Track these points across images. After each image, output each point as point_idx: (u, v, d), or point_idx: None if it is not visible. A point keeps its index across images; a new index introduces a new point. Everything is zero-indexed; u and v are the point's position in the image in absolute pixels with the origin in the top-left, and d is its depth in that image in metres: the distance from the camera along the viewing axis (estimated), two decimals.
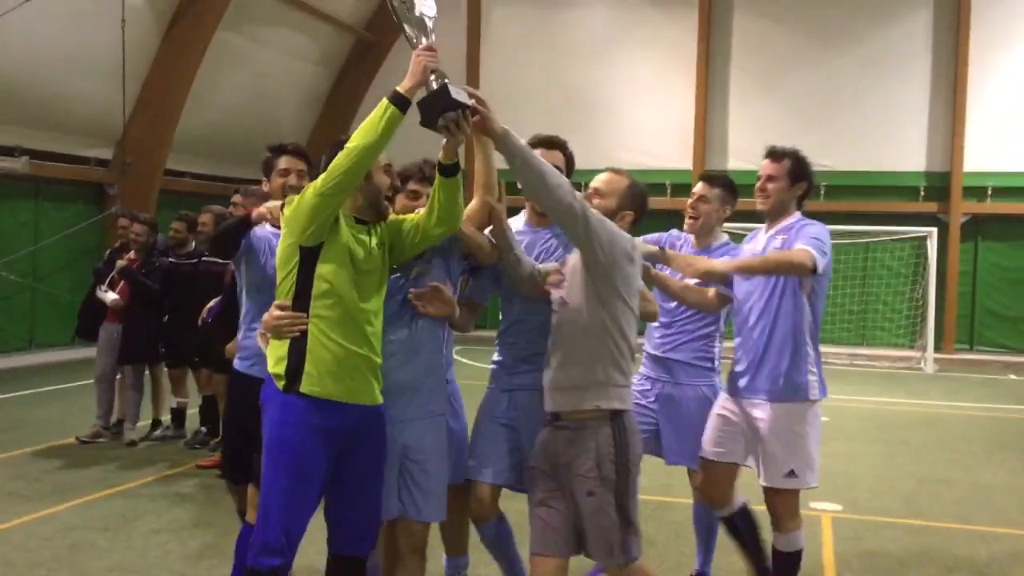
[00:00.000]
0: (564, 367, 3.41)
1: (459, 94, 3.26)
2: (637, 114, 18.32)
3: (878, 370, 15.57)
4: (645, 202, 3.81)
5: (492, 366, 4.02)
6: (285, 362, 3.29)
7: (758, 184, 4.40)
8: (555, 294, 3.54)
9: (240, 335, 4.13)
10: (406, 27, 3.35)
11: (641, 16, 18.34)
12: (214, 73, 15.31)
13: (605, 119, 18.46)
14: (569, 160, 4.22)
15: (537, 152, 3.49)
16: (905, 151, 17.25)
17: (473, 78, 19.04)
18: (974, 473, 7.99)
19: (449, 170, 3.40)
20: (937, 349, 16.05)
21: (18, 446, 8.00)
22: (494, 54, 19.18)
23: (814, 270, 3.94)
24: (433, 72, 3.28)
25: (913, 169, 17.28)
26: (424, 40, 3.34)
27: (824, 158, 17.47)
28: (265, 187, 4.24)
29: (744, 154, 17.91)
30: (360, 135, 3.25)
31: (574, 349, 3.40)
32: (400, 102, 3.23)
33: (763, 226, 4.51)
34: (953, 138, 16.87)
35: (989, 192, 16.92)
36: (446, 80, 3.27)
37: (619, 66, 18.46)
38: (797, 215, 4.34)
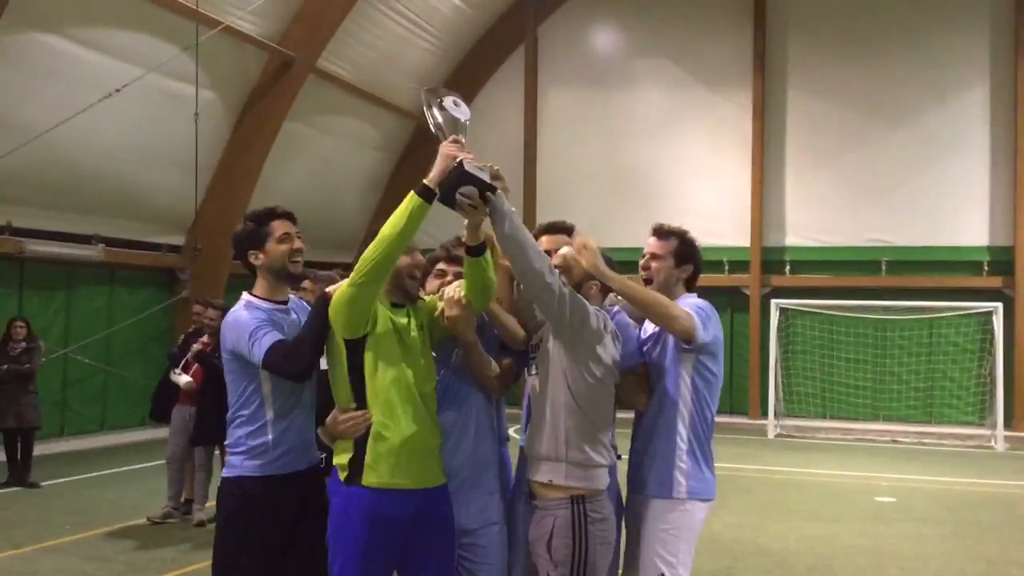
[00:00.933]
0: (536, 438, 3.37)
1: (476, 171, 3.36)
2: (693, 192, 18.44)
3: (947, 448, 15.20)
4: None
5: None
6: (350, 454, 3.38)
7: (642, 262, 4.13)
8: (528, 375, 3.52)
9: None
10: (435, 121, 3.50)
11: (695, 96, 18.59)
12: (281, 160, 15.88)
13: (661, 198, 18.59)
14: None
15: (543, 240, 3.66)
16: (966, 225, 17.06)
17: (531, 159, 19.42)
18: None
19: (475, 251, 3.48)
20: (1007, 426, 15.63)
21: (92, 527, 8.22)
22: (550, 135, 19.55)
23: (691, 338, 3.65)
24: (454, 159, 3.39)
25: (975, 244, 17.05)
26: (453, 135, 3.47)
27: (884, 233, 17.44)
28: (256, 259, 3.77)
29: (803, 230, 17.90)
30: (389, 226, 3.35)
31: (543, 423, 3.36)
32: (426, 194, 3.34)
33: None
34: (1016, 212, 16.66)
35: None
36: (464, 159, 3.37)
37: (674, 145, 18.68)
38: (684, 296, 4.05)
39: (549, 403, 3.34)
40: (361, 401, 3.39)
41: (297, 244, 3.78)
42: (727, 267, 18.25)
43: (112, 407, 14.42)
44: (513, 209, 3.37)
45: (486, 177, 3.38)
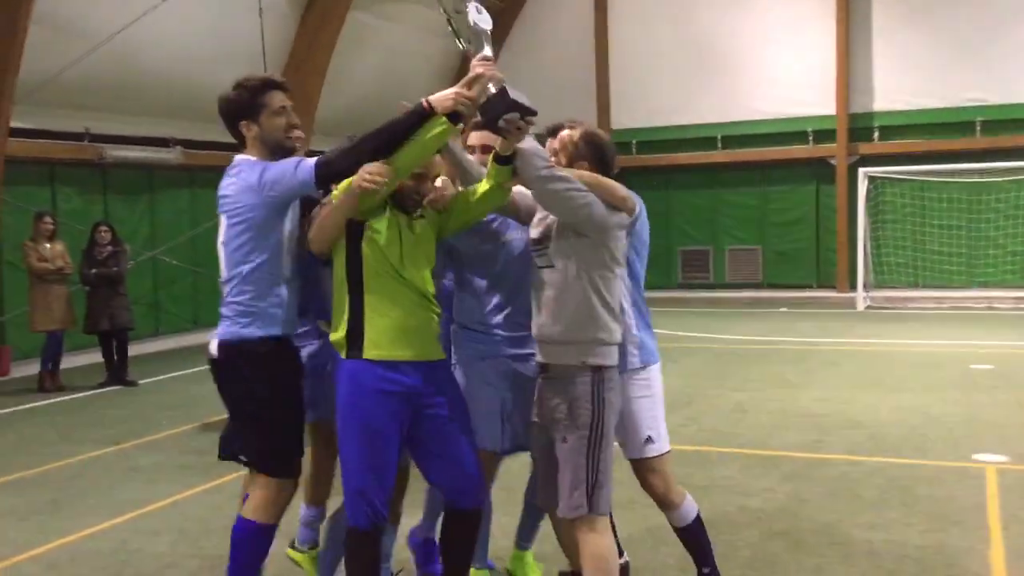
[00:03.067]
0: (552, 323, 3.50)
1: (519, 96, 3.34)
2: (774, 60, 17.69)
3: None
4: (600, 154, 3.67)
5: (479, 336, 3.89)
6: (345, 328, 3.41)
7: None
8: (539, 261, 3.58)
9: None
10: (460, 39, 3.46)
11: None
12: (349, 53, 15.68)
13: (741, 69, 17.92)
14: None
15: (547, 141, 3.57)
16: None
17: (602, 39, 18.82)
18: None
19: (504, 160, 3.46)
20: None
21: (187, 421, 8.50)
22: (622, 13, 18.87)
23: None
24: (491, 80, 3.35)
25: None
26: (482, 50, 3.39)
27: (979, 92, 16.51)
28: (247, 130, 3.61)
29: (892, 93, 17.08)
30: (411, 152, 3.32)
31: (561, 308, 3.49)
32: (455, 117, 3.32)
33: None
34: None
35: None
36: (504, 84, 3.34)
37: (752, 11, 17.86)
38: None
39: (571, 292, 3.49)
40: (357, 283, 3.39)
41: (294, 118, 3.66)
42: (811, 137, 17.60)
43: (203, 306, 14.78)
44: (538, 147, 3.42)
45: (526, 101, 3.36)
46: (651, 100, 18.52)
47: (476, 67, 3.35)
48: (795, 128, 17.68)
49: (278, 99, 3.61)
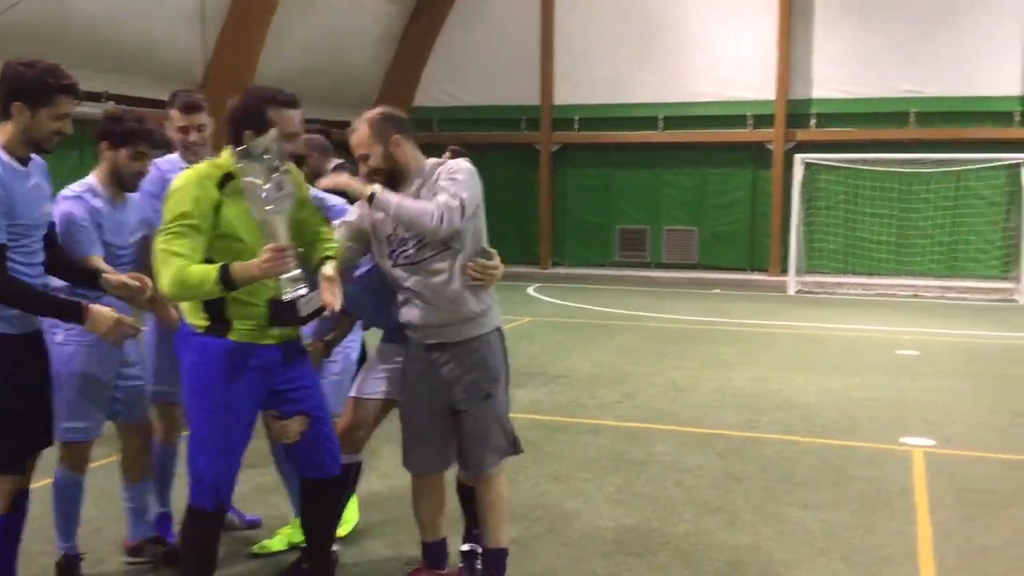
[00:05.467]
0: (452, 309, 3.66)
1: (310, 304, 3.33)
2: (717, 44, 17.81)
3: (970, 302, 15.11)
4: (400, 125, 3.67)
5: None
6: (206, 313, 3.36)
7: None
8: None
9: None
10: (255, 190, 3.17)
11: None
12: (292, 12, 15.34)
13: (685, 51, 18.01)
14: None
15: (283, 111, 3.42)
16: (998, 75, 16.40)
17: (547, 15, 18.72)
18: None
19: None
20: None
21: None
22: None
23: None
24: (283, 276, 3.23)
25: (1007, 94, 16.50)
26: (276, 237, 3.20)
27: (914, 84, 16.86)
28: (19, 113, 3.34)
29: (830, 82, 17.33)
30: (180, 282, 3.18)
31: (451, 296, 3.65)
32: (228, 284, 3.18)
33: None
34: None
35: None
36: (298, 294, 3.25)
37: None
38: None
39: (454, 281, 3.65)
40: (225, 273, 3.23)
41: (68, 129, 3.41)
42: (751, 121, 17.80)
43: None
44: (392, 200, 3.52)
45: (316, 303, 3.34)
46: (595, 78, 18.52)
47: (266, 265, 3.18)
48: (735, 112, 17.86)
49: (65, 106, 3.36)
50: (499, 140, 18.93)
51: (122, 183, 4.00)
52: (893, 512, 5.16)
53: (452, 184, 3.56)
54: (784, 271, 16.83)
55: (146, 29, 13.37)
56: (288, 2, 15.03)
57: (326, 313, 3.41)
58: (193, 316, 3.39)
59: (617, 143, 18.61)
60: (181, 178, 3.33)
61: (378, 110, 3.75)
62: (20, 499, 3.59)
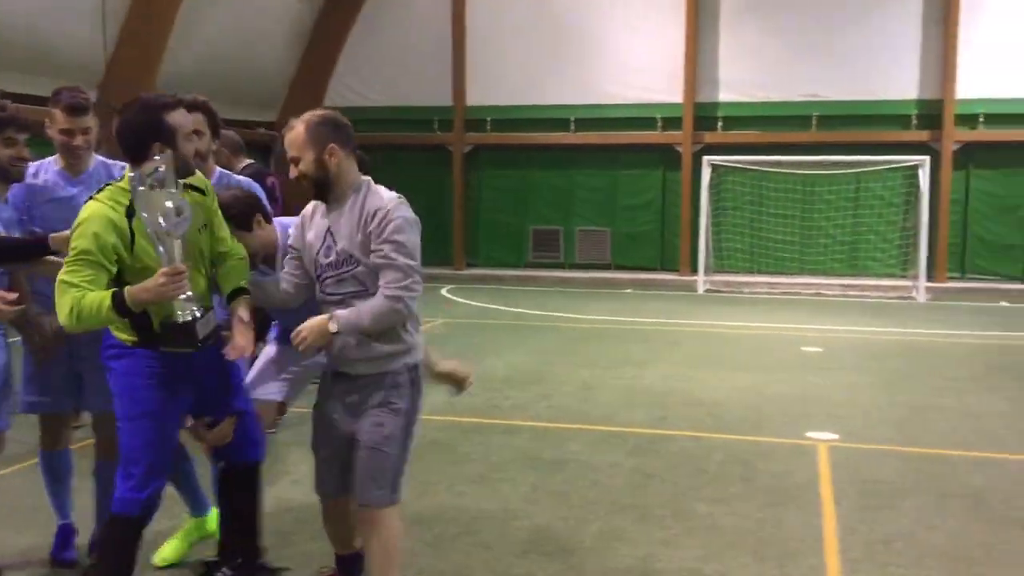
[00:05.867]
0: (358, 342, 3.48)
1: (206, 327, 3.34)
2: (628, 47, 18.05)
3: (870, 300, 15.62)
4: (339, 132, 3.46)
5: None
6: (134, 329, 3.38)
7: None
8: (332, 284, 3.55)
9: None
10: (151, 222, 3.15)
11: None
12: (196, 10, 14.99)
13: (596, 53, 18.20)
14: (212, 118, 4.25)
15: (179, 113, 3.40)
16: (896, 79, 17.07)
17: (459, 16, 18.71)
18: (967, 400, 8.05)
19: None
20: (929, 278, 16.09)
21: None
22: None
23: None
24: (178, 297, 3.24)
25: (905, 97, 17.13)
26: (172, 260, 3.19)
27: (816, 88, 17.37)
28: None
29: (736, 85, 17.73)
30: (76, 312, 3.13)
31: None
32: (123, 309, 3.16)
33: None
34: (945, 66, 16.71)
35: (981, 119, 16.81)
36: (194, 317, 3.28)
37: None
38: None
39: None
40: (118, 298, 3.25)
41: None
42: (660, 124, 18.09)
43: None
44: (353, 320, 3.39)
45: (211, 324, 3.39)
46: (507, 79, 18.58)
47: (161, 288, 3.16)
48: (645, 114, 18.13)
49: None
50: (411, 141, 18.85)
51: (4, 174, 3.83)
52: (799, 505, 5.29)
53: (398, 254, 3.35)
54: (694, 271, 17.15)
55: (43, 25, 12.91)
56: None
57: (226, 351, 3.43)
58: (122, 332, 3.40)
59: (530, 144, 18.71)
60: (87, 210, 3.26)
61: (318, 112, 3.49)
62: None
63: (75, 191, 3.98)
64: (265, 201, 4.05)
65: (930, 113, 16.98)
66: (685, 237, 17.89)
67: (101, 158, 4.16)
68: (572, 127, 18.39)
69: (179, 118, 3.39)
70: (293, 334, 3.43)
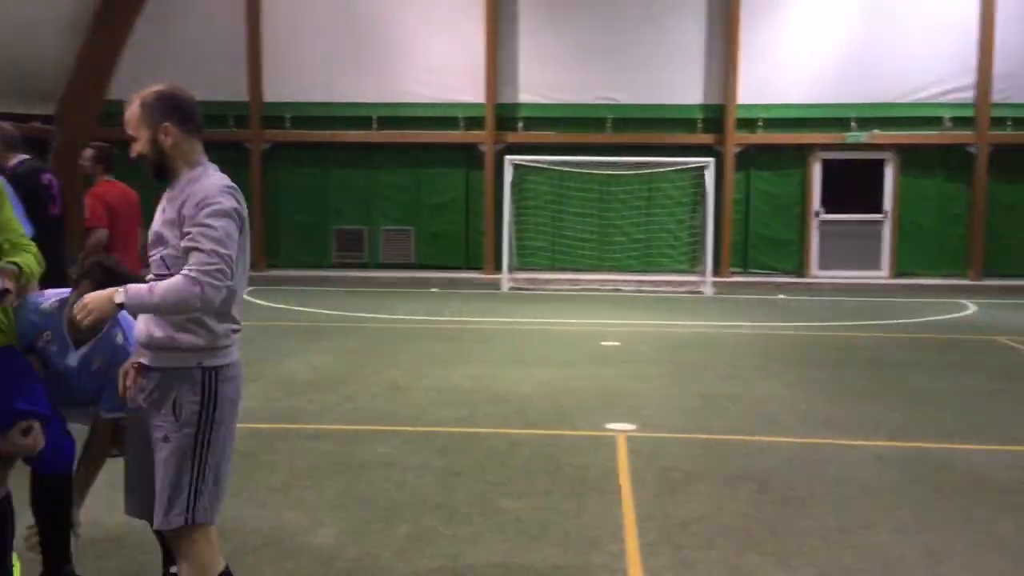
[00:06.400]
0: (156, 328, 3.24)
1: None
2: (430, 47, 18.07)
3: (663, 295, 16.36)
4: (176, 110, 3.32)
5: None
6: None
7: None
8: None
9: None
10: None
11: None
12: None
13: (398, 52, 18.12)
14: None
15: None
16: (684, 85, 17.98)
17: (254, 6, 18.14)
18: (753, 388, 8.58)
19: None
20: (715, 273, 17.03)
21: None
22: None
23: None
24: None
25: (692, 102, 18.07)
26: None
27: (610, 91, 18.05)
28: None
29: (535, 87, 18.14)
30: None
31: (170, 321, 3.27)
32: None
33: None
34: (727, 72, 17.75)
35: (760, 124, 17.97)
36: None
37: None
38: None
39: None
40: None
41: None
42: (463, 124, 18.23)
43: None
44: (144, 297, 3.14)
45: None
46: (307, 75, 18.17)
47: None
48: (448, 114, 18.22)
49: None
50: (205, 138, 18.02)
51: None
52: (600, 495, 5.46)
53: (205, 238, 3.13)
54: (498, 269, 17.39)
55: None
56: None
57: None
58: None
59: (331, 142, 18.39)
60: None
61: (155, 88, 3.30)
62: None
63: None
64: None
65: (714, 117, 17.99)
66: (489, 236, 18.11)
67: None
68: (374, 125, 18.21)
69: None
70: (78, 306, 3.15)
